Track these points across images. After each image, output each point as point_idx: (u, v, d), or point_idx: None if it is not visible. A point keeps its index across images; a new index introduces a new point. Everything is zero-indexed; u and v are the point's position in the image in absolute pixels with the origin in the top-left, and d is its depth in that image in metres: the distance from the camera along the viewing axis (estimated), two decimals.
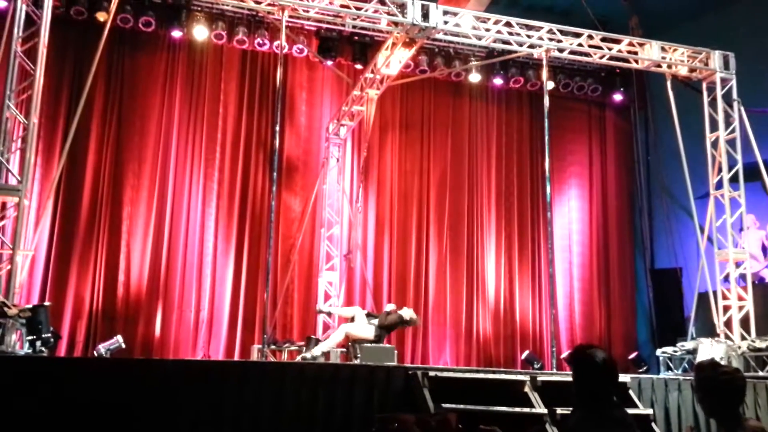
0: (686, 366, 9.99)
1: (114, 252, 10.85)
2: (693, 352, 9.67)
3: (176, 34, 11.28)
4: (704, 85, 10.86)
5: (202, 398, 6.25)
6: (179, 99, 11.59)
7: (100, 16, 10.46)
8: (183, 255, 11.20)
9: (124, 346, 8.91)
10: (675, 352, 10.16)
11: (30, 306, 7.85)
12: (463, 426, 5.71)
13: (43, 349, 7.46)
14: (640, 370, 10.31)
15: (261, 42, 11.60)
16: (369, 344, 9.19)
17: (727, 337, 9.88)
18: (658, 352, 10.63)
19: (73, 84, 10.89)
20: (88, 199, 10.87)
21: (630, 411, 3.67)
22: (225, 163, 11.69)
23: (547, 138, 9.91)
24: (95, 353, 8.93)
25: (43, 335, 7.46)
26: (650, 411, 7.27)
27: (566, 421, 3.89)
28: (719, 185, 10.55)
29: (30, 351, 7.35)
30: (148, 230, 11.08)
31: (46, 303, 8.62)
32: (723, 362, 8.99)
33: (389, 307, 9.93)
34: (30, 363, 6.48)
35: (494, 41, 10.22)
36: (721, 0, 12.11)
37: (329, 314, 10.76)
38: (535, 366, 11.01)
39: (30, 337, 7.41)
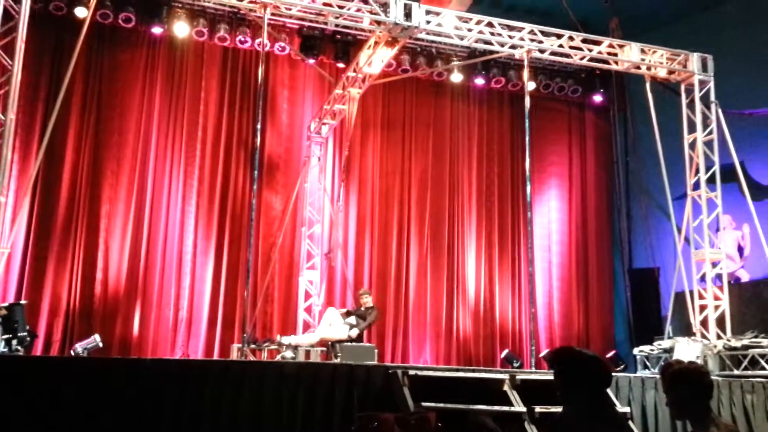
0: (663, 364, 10.10)
1: (92, 250, 10.74)
2: (670, 351, 9.77)
3: (157, 30, 11.18)
4: (683, 87, 10.98)
5: (182, 397, 6.21)
6: (159, 96, 11.49)
7: (79, 12, 10.34)
8: (162, 253, 11.12)
9: (101, 345, 8.83)
10: (652, 350, 10.26)
11: (6, 304, 7.78)
12: (442, 424, 5.73)
13: (18, 348, 7.39)
14: (618, 369, 10.40)
15: (242, 39, 11.53)
16: (349, 343, 9.20)
17: (703, 336, 10.00)
18: (636, 350, 10.74)
19: (51, 80, 10.76)
20: (65, 196, 10.75)
21: None
22: (205, 161, 11.62)
23: (527, 138, 9.97)
24: (72, 352, 8.84)
25: (19, 334, 7.40)
26: (627, 409, 7.34)
27: (554, 419, 3.93)
28: (696, 186, 10.68)
29: (6, 350, 7.28)
30: (126, 228, 10.98)
31: (22, 301, 8.54)
32: (699, 361, 9.12)
33: (368, 298, 10.00)
34: (5, 362, 6.40)
35: (476, 41, 10.26)
36: (701, 3, 12.25)
37: (290, 345, 9.95)
38: (515, 365, 11.08)
39: (5, 336, 7.34)
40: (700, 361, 9.17)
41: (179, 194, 11.40)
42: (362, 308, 10.04)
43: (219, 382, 6.34)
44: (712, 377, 7.82)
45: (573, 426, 3.30)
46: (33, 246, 10.44)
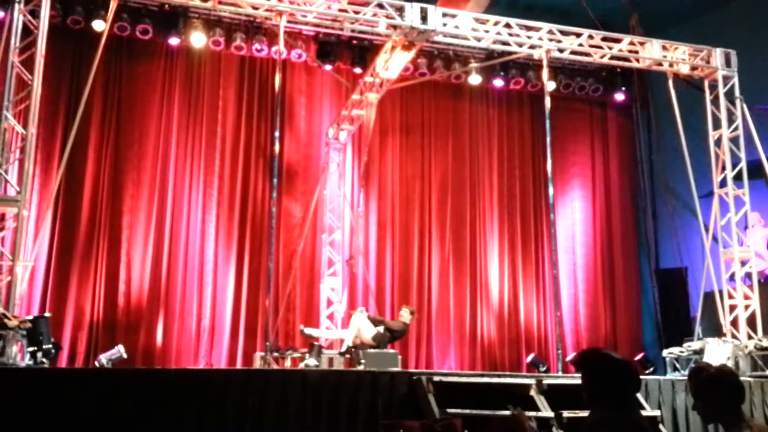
0: (693, 366, 9.89)
1: (114, 262, 10.79)
2: (700, 352, 9.57)
3: (174, 41, 11.23)
4: (706, 83, 10.79)
5: (206, 407, 6.20)
6: (178, 106, 11.54)
7: (97, 25, 10.42)
8: (183, 263, 11.14)
9: (125, 356, 8.83)
10: (681, 352, 10.05)
11: (30, 317, 7.78)
12: (468, 431, 5.64)
13: (44, 360, 7.40)
14: (647, 372, 10.19)
15: (259, 48, 11.55)
16: (372, 350, 9.13)
17: (733, 336, 9.78)
18: (665, 352, 10.53)
19: (70, 93, 10.84)
20: (87, 208, 10.81)
21: None
22: (225, 169, 11.64)
23: (548, 139, 9.86)
24: (96, 364, 8.85)
25: (44, 346, 7.40)
26: (658, 412, 7.21)
27: (581, 423, 3.86)
28: (723, 184, 10.47)
29: (31, 362, 7.29)
30: (148, 239, 11.02)
31: (47, 314, 8.54)
32: (730, 362, 8.92)
33: (407, 316, 9.97)
34: (31, 374, 6.43)
35: (494, 43, 10.17)
36: None
37: (311, 337, 10.16)
38: (541, 369, 10.90)
39: (31, 349, 7.34)
40: (731, 362, 8.98)
41: (199, 203, 11.42)
42: (396, 320, 10.01)
43: (242, 391, 6.32)
44: (745, 378, 7.63)
45: (597, 427, 3.22)
46: (56, 259, 10.51)
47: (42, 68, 8.32)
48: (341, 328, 10.90)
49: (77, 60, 10.89)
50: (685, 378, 7.72)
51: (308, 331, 9.96)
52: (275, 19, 9.15)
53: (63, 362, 9.88)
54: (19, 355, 7.41)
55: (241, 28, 11.50)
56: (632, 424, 3.21)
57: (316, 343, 9.95)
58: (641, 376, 3.44)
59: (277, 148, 9.17)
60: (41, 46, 8.29)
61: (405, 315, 9.96)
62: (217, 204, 11.49)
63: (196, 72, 11.72)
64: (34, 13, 8.40)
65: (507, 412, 3.91)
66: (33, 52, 8.26)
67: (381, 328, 9.67)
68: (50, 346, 7.53)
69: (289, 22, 9.53)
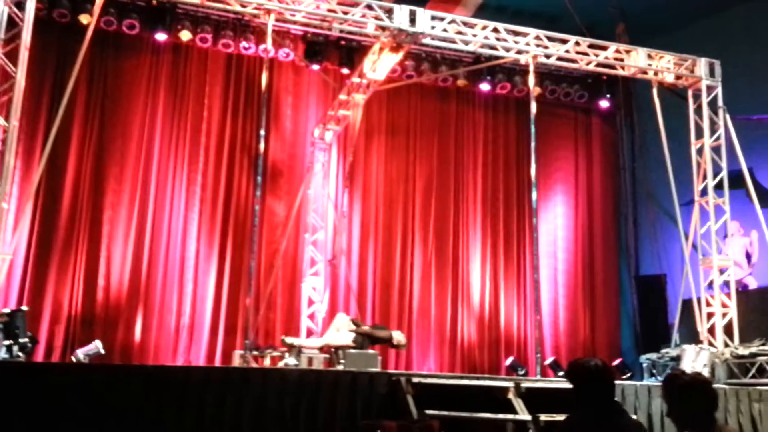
0: (666, 377, 9.97)
1: (94, 256, 10.70)
2: (677, 359, 9.66)
3: (161, 37, 11.15)
4: (690, 93, 10.91)
5: (184, 404, 6.17)
6: (163, 102, 11.47)
7: (83, 19, 10.33)
8: (164, 260, 11.07)
9: (103, 351, 8.76)
10: (659, 358, 10.16)
11: (7, 310, 7.72)
12: None
13: (20, 354, 7.34)
14: (624, 377, 10.28)
15: (246, 46, 11.51)
16: (352, 350, 9.12)
17: (710, 344, 9.89)
18: (642, 358, 10.63)
19: (54, 87, 10.73)
20: (68, 203, 10.72)
21: None
22: (209, 167, 11.58)
23: (533, 144, 9.92)
24: (73, 359, 8.78)
25: (20, 340, 7.34)
26: (634, 417, 7.24)
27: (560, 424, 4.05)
28: (704, 192, 10.58)
29: (7, 356, 7.23)
30: (129, 235, 10.94)
31: (24, 307, 8.47)
32: (706, 369, 9.01)
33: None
34: (6, 368, 6.36)
35: (481, 47, 10.24)
36: (708, 8, 12.17)
37: (293, 346, 10.10)
38: (520, 372, 10.96)
39: (7, 342, 7.28)
40: (707, 369, 9.07)
41: (182, 200, 11.36)
42: (377, 326, 10.00)
43: (221, 388, 6.29)
44: (721, 386, 7.71)
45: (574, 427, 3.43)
46: (35, 252, 10.41)
47: (26, 61, 8.24)
48: (321, 330, 10.87)
49: (62, 53, 10.77)
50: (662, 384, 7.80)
51: (289, 340, 9.84)
52: (263, 18, 9.14)
53: (39, 356, 9.76)
54: None
55: (229, 25, 11.45)
56: (610, 428, 3.28)
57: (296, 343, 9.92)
58: (614, 380, 3.54)
59: (262, 146, 9.15)
60: (26, 38, 8.22)
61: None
62: (200, 201, 11.44)
63: (182, 68, 11.65)
64: (20, 5, 8.31)
65: (485, 415, 4.05)
66: (17, 44, 8.19)
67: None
68: (27, 339, 7.48)
69: (277, 20, 9.52)
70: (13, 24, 8.25)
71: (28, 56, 8.30)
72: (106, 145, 11.09)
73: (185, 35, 11.14)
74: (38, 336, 9.65)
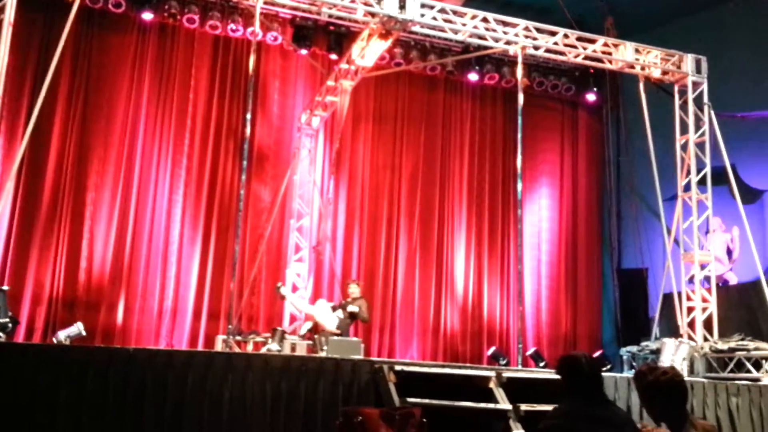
0: (636, 372, 10.08)
1: (76, 238, 10.59)
2: (657, 352, 9.76)
3: (147, 16, 11.03)
4: (676, 88, 10.97)
5: (165, 387, 6.14)
6: (148, 83, 11.34)
7: None
8: (148, 242, 10.99)
9: (84, 333, 8.70)
10: (639, 351, 10.26)
11: None
12: (427, 420, 5.68)
13: (0, 334, 7.26)
14: (604, 369, 10.37)
15: (234, 28, 11.40)
16: (336, 337, 9.14)
17: (690, 338, 10.00)
18: (622, 351, 10.74)
19: (38, 64, 10.56)
20: (50, 182, 10.59)
21: None
22: (194, 150, 11.49)
23: (519, 135, 9.93)
24: (54, 340, 8.72)
25: (1, 320, 7.27)
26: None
27: (538, 416, 4.16)
28: (687, 188, 10.67)
29: None
30: (112, 216, 10.84)
31: (4, 287, 8.39)
32: (686, 363, 9.12)
33: (355, 288, 10.04)
34: None
35: (470, 36, 10.20)
36: (696, 5, 12.22)
37: (284, 297, 10.65)
38: (501, 362, 11.03)
39: None
40: (686, 363, 9.18)
41: (166, 183, 11.27)
42: (348, 299, 10.00)
43: (203, 372, 6.27)
44: (699, 379, 7.78)
45: (557, 420, 3.50)
46: (16, 232, 10.28)
47: (9, 37, 8.11)
48: (304, 318, 10.89)
49: (47, 30, 10.61)
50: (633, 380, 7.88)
51: (284, 290, 10.04)
52: (252, 0, 9.04)
53: (20, 337, 9.67)
54: None
55: (217, 6, 11.34)
56: (595, 418, 3.36)
57: (278, 328, 9.93)
58: (597, 371, 3.66)
59: (248, 130, 9.07)
60: (10, 13, 8.09)
61: (354, 289, 10.08)
62: (184, 184, 11.35)
63: (168, 49, 11.52)
64: None
65: (466, 403, 4.16)
66: (1, 19, 8.05)
67: (340, 313, 9.69)
68: (7, 320, 7.43)
69: (265, 3, 9.42)
70: None
71: (11, 32, 8.17)
72: (90, 125, 10.96)
73: (172, 15, 11.00)
74: (19, 317, 9.56)
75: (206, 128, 11.63)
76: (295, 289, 11.64)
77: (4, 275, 10.04)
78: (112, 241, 10.77)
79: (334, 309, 9.86)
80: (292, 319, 11.37)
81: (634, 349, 10.39)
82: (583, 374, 3.54)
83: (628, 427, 3.47)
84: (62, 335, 8.53)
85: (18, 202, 10.33)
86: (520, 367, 9.29)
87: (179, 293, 11.03)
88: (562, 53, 10.60)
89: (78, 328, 8.65)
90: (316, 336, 9.58)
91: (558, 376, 3.73)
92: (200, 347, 10.70)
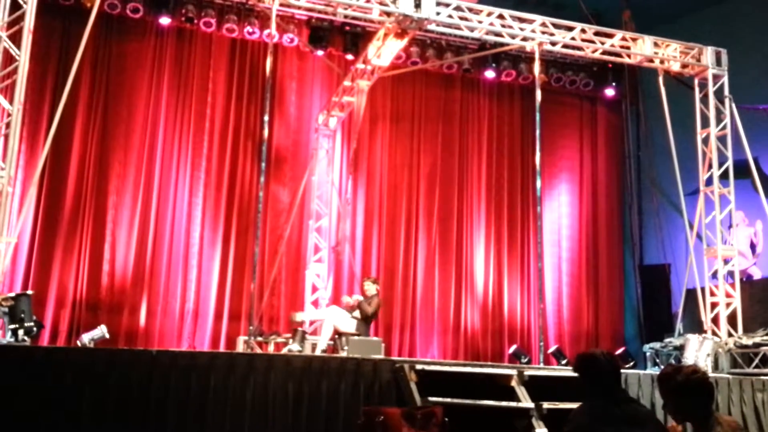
0: (673, 362, 10.00)
1: (99, 241, 10.72)
2: (680, 348, 9.66)
3: (164, 21, 11.12)
4: (696, 81, 10.85)
5: (187, 389, 6.18)
6: (167, 87, 11.45)
7: (87, 2, 10.27)
8: (169, 245, 11.08)
9: (108, 336, 8.78)
10: (662, 347, 10.16)
11: (12, 294, 7.73)
12: (449, 419, 5.67)
13: (25, 338, 7.35)
14: (627, 366, 10.29)
15: (251, 31, 11.46)
16: (356, 337, 9.14)
17: (714, 333, 9.89)
18: (646, 347, 10.64)
19: (58, 70, 10.72)
20: (72, 187, 10.73)
21: None
22: (213, 152, 11.57)
23: (538, 132, 9.88)
24: (78, 343, 8.80)
25: (26, 324, 7.34)
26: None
27: (561, 414, 4.13)
28: (709, 182, 10.55)
29: (12, 340, 7.24)
30: (133, 219, 10.96)
31: (29, 292, 8.48)
32: (710, 359, 9.02)
33: (370, 286, 9.94)
34: (12, 352, 6.38)
35: (486, 33, 10.15)
36: None
37: (302, 322, 10.48)
38: (523, 360, 10.98)
39: (12, 326, 7.29)
40: (711, 359, 9.07)
41: (186, 186, 11.36)
42: (364, 298, 9.98)
43: (225, 373, 6.30)
44: (724, 375, 7.69)
45: (579, 419, 3.46)
46: (40, 236, 10.44)
47: (30, 44, 8.20)
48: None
49: (66, 36, 10.76)
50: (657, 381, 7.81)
51: (299, 316, 10.01)
52: (268, 2, 9.09)
53: (45, 341, 9.82)
54: (0, 332, 7.37)
55: (233, 10, 11.40)
56: (617, 417, 3.37)
57: (299, 328, 9.95)
58: (619, 368, 3.63)
59: (266, 132, 9.11)
60: (30, 21, 8.18)
61: (369, 287, 9.91)
62: (204, 186, 11.44)
63: (186, 53, 11.62)
64: None
65: (488, 402, 4.13)
66: (21, 26, 8.15)
67: (356, 313, 9.66)
68: (32, 324, 7.48)
69: (281, 5, 9.47)
70: (17, 6, 8.20)
71: (31, 39, 8.26)
72: (110, 130, 11.08)
73: (189, 19, 11.08)
74: (43, 320, 9.69)
75: (224, 131, 11.70)
76: (315, 289, 11.66)
77: (28, 279, 10.19)
78: (134, 244, 10.88)
79: (351, 309, 9.83)
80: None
81: (657, 345, 10.29)
82: (602, 372, 3.50)
83: (651, 424, 3.42)
84: (86, 338, 8.61)
85: (41, 208, 10.48)
86: (541, 365, 9.25)
87: (200, 295, 11.12)
88: (579, 48, 10.53)
89: (101, 330, 8.72)
90: (336, 337, 9.59)
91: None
92: (222, 348, 10.77)
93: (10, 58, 8.22)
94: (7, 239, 8.14)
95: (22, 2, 8.19)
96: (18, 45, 8.08)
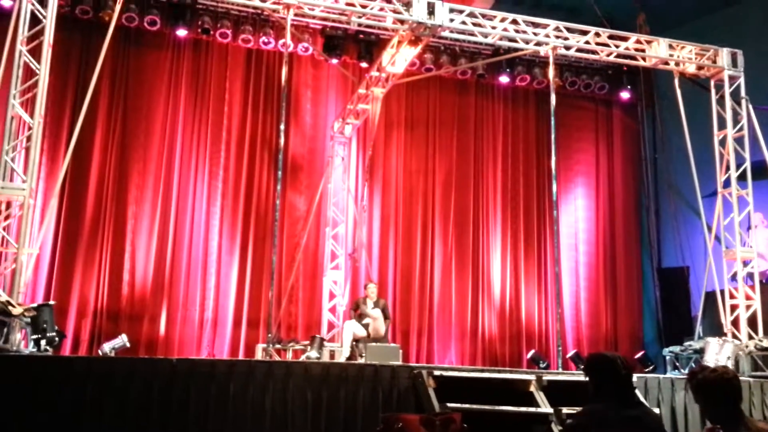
0: (693, 365, 9.92)
1: (119, 251, 10.84)
2: (700, 351, 9.59)
3: (181, 32, 11.26)
4: (712, 83, 10.79)
5: (208, 396, 6.25)
6: (184, 98, 11.58)
7: (105, 15, 10.42)
8: (188, 254, 11.19)
9: (128, 345, 8.88)
10: (682, 351, 10.08)
11: (34, 305, 7.82)
12: (468, 425, 5.68)
13: (47, 348, 7.44)
14: (647, 370, 10.23)
15: (266, 41, 11.57)
16: (374, 343, 9.17)
17: (734, 336, 9.80)
18: (665, 351, 10.56)
19: (78, 83, 10.88)
20: (93, 198, 10.87)
21: None
22: (230, 161, 11.68)
23: (553, 136, 9.88)
24: (100, 352, 8.91)
25: (48, 334, 7.43)
26: (657, 411, 7.22)
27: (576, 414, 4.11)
28: (727, 183, 10.48)
29: (35, 350, 7.33)
30: (152, 229, 11.07)
31: (51, 302, 8.58)
32: (730, 362, 8.93)
33: (373, 290, 10.10)
34: (35, 362, 6.48)
35: (500, 39, 10.18)
36: None
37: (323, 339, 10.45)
38: (541, 365, 10.94)
39: (34, 336, 7.39)
40: (731, 362, 8.99)
41: (204, 195, 11.47)
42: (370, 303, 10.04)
43: (244, 381, 6.36)
44: (745, 378, 7.63)
45: (580, 419, 3.50)
46: (61, 247, 10.57)
47: (49, 57, 8.34)
48: (341, 321, 10.95)
49: (85, 50, 10.92)
50: (685, 377, 7.76)
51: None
52: (283, 12, 9.17)
53: (66, 350, 9.93)
54: (23, 342, 7.47)
55: (249, 20, 11.52)
56: (626, 419, 3.36)
57: (317, 336, 10.00)
58: (630, 372, 3.61)
59: (282, 141, 9.19)
60: (49, 35, 8.32)
61: (372, 290, 10.02)
62: (221, 195, 11.54)
63: (203, 64, 11.75)
64: (42, 2, 8.41)
65: (507, 408, 4.13)
66: (41, 40, 8.29)
67: (367, 319, 9.72)
68: (54, 334, 7.57)
69: (296, 15, 9.54)
70: (36, 21, 8.35)
71: (51, 53, 8.40)
72: (129, 141, 11.22)
73: (205, 31, 11.22)
74: (65, 330, 9.82)
75: (241, 140, 11.81)
76: (332, 296, 11.71)
77: (50, 290, 10.32)
78: (153, 253, 10.99)
79: (359, 318, 9.88)
80: (330, 326, 11.45)
81: (677, 349, 10.21)
82: (610, 374, 3.46)
83: (656, 430, 3.40)
84: (107, 347, 8.71)
85: (62, 219, 10.62)
86: (560, 369, 9.22)
87: (219, 303, 11.21)
88: (594, 52, 10.52)
89: (122, 339, 8.83)
90: (354, 343, 9.63)
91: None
92: (241, 356, 10.84)
93: (30, 72, 8.37)
94: (29, 250, 8.27)
95: (41, 17, 8.33)
96: (38, 59, 8.23)
